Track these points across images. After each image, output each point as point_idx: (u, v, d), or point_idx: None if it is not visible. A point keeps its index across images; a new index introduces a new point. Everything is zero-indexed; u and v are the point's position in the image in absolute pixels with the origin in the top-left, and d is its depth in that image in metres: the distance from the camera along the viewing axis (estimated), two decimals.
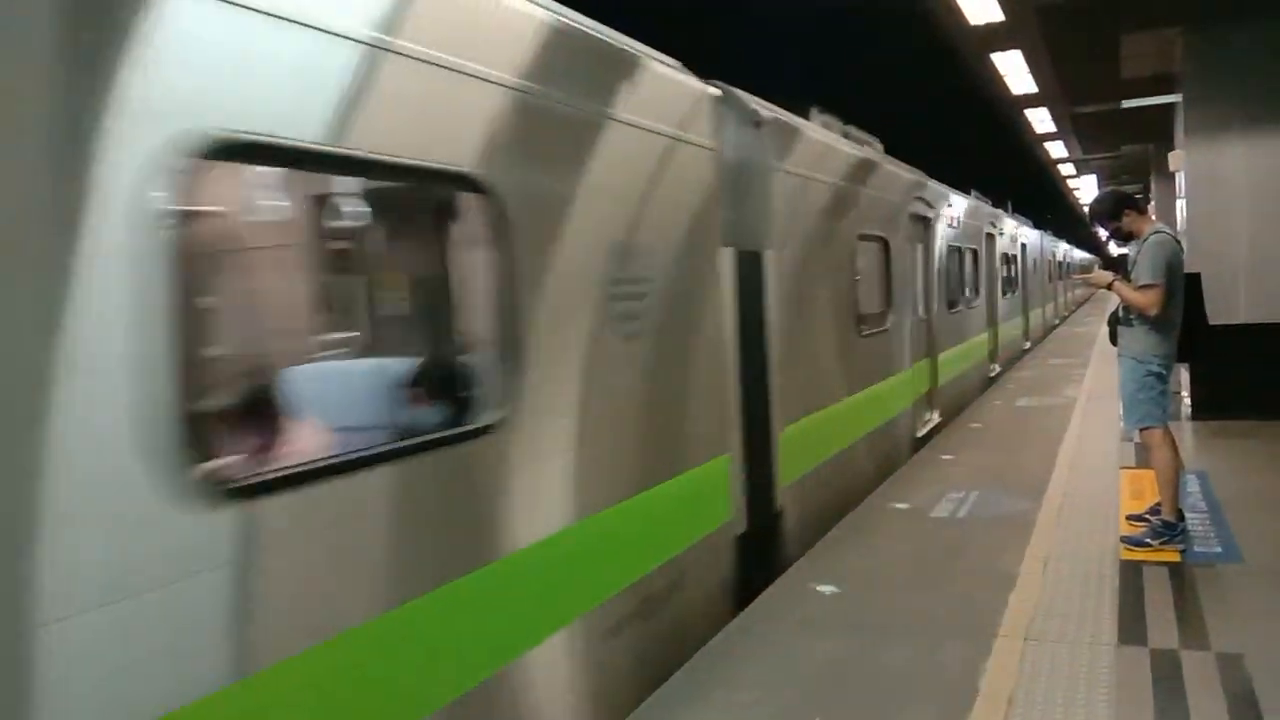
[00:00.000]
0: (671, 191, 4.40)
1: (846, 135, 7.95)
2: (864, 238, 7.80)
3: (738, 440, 5.09)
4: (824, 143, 7.09)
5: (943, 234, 10.90)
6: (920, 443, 9.09)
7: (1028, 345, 18.70)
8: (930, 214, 10.27)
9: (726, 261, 5.02)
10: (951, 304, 11.41)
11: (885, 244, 8.42)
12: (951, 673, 3.92)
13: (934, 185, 10.65)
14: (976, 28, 9.56)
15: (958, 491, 6.98)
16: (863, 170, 7.87)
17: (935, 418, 10.06)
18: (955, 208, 11.83)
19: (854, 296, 7.39)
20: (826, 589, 5.03)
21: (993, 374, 14.18)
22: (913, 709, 3.65)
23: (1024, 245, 19.06)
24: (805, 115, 6.98)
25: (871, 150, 8.48)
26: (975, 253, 13.16)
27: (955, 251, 11.81)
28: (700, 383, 4.70)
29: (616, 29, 4.27)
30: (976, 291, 13.18)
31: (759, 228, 5.58)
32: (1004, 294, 15.90)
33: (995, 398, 12.17)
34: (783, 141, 6.08)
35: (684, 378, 4.55)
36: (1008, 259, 16.73)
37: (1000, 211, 16.60)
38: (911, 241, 9.49)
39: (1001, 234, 15.94)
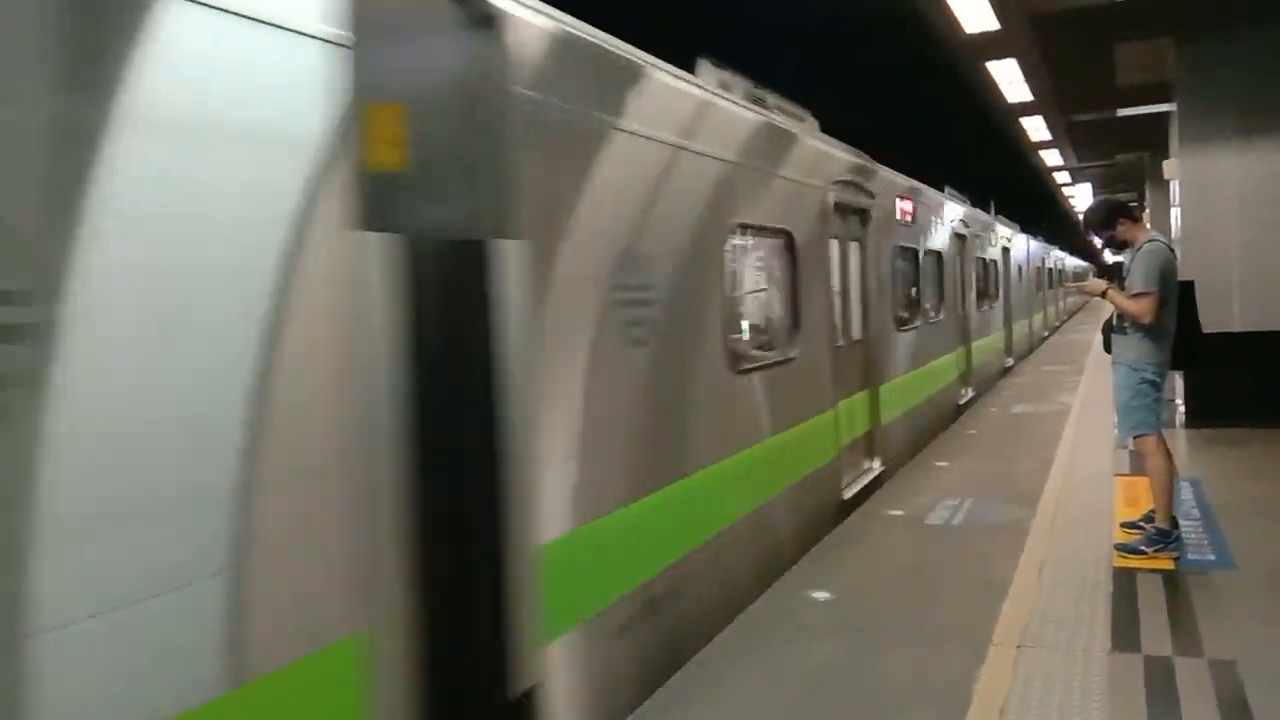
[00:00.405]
0: (163, 108, 2.10)
1: (760, 101, 6.08)
2: (749, 230, 5.69)
3: (397, 595, 2.70)
4: (655, 81, 4.45)
5: (889, 232, 8.78)
6: (851, 505, 6.96)
7: (1010, 362, 16.75)
8: (869, 205, 8.04)
9: (368, 257, 2.68)
10: (904, 320, 9.31)
11: (790, 242, 6.16)
12: (945, 679, 3.92)
13: (874, 169, 8.44)
14: (972, 36, 9.60)
15: (952, 499, 6.99)
16: (744, 134, 5.53)
17: (875, 468, 7.88)
18: (910, 200, 9.69)
19: (724, 315, 5.09)
20: (821, 595, 5.03)
21: (964, 400, 12.16)
22: (906, 716, 3.65)
23: (1006, 249, 17.17)
24: (690, 69, 5.14)
25: (780, 117, 6.36)
26: (940, 257, 11.18)
27: (910, 255, 9.77)
28: (268, 508, 2.31)
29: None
30: (941, 303, 11.13)
31: (483, 200, 3.28)
32: (980, 305, 13.96)
33: (990, 404, 12.19)
34: (554, 62, 3.58)
35: (201, 510, 2.16)
36: (985, 265, 14.80)
37: (978, 211, 14.75)
38: (842, 240, 7.47)
39: (977, 236, 13.90)
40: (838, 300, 7.29)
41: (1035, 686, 3.80)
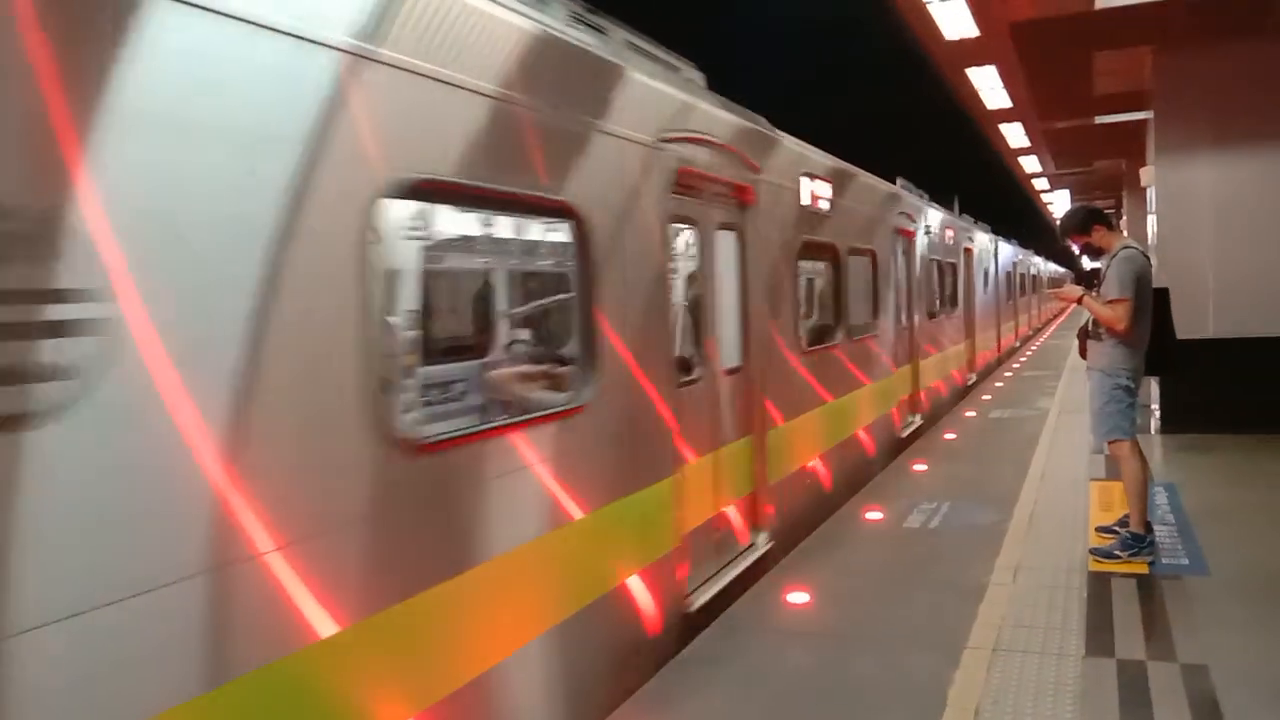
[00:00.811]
0: None
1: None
2: (450, 197, 3.58)
3: None
4: None
5: (790, 220, 6.78)
6: (711, 612, 4.88)
7: (972, 378, 14.97)
8: (750, 179, 5.96)
9: None
10: (816, 336, 7.64)
11: (578, 224, 4.00)
12: (920, 683, 3.93)
13: (759, 131, 6.29)
14: (952, 43, 9.67)
15: (930, 502, 7.02)
16: (421, 23, 3.04)
17: (761, 544, 5.89)
18: (824, 182, 7.56)
19: (378, 351, 2.85)
20: (798, 599, 5.03)
21: (909, 430, 10.35)
22: (880, 719, 3.66)
23: (968, 250, 15.30)
24: None
25: (593, 39, 4.30)
26: (874, 256, 9.19)
27: (827, 251, 7.90)
28: None
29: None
30: (876, 314, 9.18)
31: None
32: (933, 315, 12.19)
33: (968, 409, 12.25)
34: None
35: None
36: (941, 268, 12.91)
37: (934, 206, 12.75)
38: (701, 227, 5.41)
39: (929, 233, 11.92)
40: (690, 314, 5.48)
41: (1009, 690, 3.81)
